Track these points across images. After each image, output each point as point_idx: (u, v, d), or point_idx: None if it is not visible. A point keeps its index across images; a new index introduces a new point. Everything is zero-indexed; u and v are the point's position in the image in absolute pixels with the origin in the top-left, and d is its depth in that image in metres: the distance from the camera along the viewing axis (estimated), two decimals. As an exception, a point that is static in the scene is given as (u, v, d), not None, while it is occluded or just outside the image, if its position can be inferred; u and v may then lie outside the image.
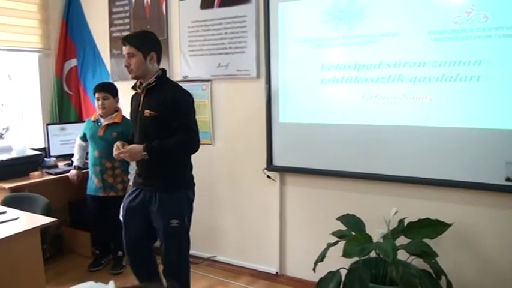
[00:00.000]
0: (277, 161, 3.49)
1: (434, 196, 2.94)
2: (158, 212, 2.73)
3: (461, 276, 2.82)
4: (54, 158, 4.27)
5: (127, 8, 4.22)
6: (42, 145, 4.43)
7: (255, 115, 3.55)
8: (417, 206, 2.94)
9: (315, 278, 2.81)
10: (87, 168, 3.89)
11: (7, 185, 3.59)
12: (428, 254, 2.56)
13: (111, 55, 4.40)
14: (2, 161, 3.75)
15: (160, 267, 2.90)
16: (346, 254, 2.54)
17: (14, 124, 4.54)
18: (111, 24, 4.37)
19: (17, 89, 4.55)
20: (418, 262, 2.65)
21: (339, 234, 2.82)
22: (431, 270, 2.58)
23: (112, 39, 4.36)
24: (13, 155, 3.90)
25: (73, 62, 4.62)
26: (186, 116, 2.71)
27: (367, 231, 2.76)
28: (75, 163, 3.98)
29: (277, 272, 3.66)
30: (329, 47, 3.17)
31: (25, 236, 2.56)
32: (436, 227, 2.62)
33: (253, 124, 3.59)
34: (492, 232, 2.80)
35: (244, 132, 3.68)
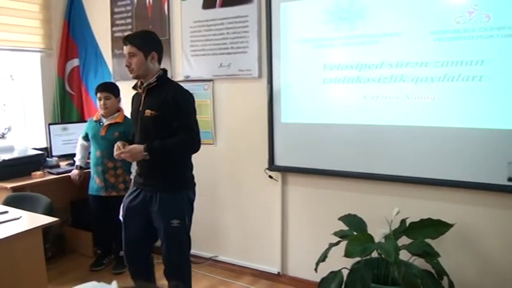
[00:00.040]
0: (279, 161, 3.49)
1: (436, 196, 2.93)
2: (159, 212, 2.72)
3: (463, 276, 2.82)
4: (56, 158, 4.27)
5: (129, 8, 4.22)
6: (44, 145, 4.44)
7: (257, 115, 3.55)
8: (419, 206, 2.93)
9: (316, 278, 2.81)
10: (89, 168, 3.90)
11: (9, 185, 3.60)
12: (430, 254, 2.56)
13: (113, 55, 4.40)
14: (4, 160, 3.76)
15: (162, 267, 2.89)
16: (348, 254, 2.54)
17: (16, 124, 4.54)
18: (113, 24, 4.37)
19: (19, 89, 4.55)
20: (420, 262, 2.65)
21: (341, 234, 2.81)
22: (433, 271, 2.57)
23: (114, 39, 4.36)
24: (15, 154, 3.91)
25: (75, 62, 4.62)
26: (187, 116, 2.71)
27: (369, 231, 2.76)
28: (77, 163, 3.99)
29: (279, 272, 3.66)
30: (331, 47, 3.17)
31: (27, 235, 2.56)
32: (438, 227, 2.62)
33: (255, 124, 3.59)
34: (494, 232, 2.80)
35: (246, 132, 3.68)
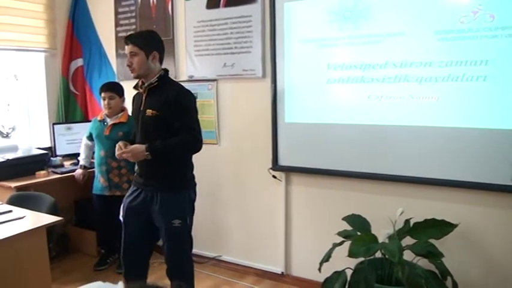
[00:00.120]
0: (283, 161, 3.49)
1: (441, 196, 2.93)
2: (160, 212, 2.72)
3: (466, 276, 2.81)
4: (60, 158, 4.28)
5: (133, 8, 4.23)
6: (48, 144, 4.45)
7: (261, 115, 3.55)
8: (423, 206, 2.93)
9: (320, 278, 2.81)
10: (93, 168, 3.91)
11: (13, 184, 3.61)
12: (434, 255, 2.56)
13: (117, 55, 4.41)
14: (8, 160, 3.77)
15: (164, 267, 2.89)
16: (351, 254, 2.53)
17: (20, 123, 4.56)
18: (117, 24, 4.38)
19: (24, 89, 4.57)
20: (423, 262, 2.64)
21: (345, 234, 2.81)
22: (437, 271, 2.57)
23: (118, 39, 4.37)
24: (19, 154, 3.92)
25: (79, 62, 4.63)
26: (189, 116, 2.70)
27: (373, 232, 2.76)
28: (82, 162, 4.00)
29: (282, 272, 3.66)
30: (335, 46, 3.17)
31: (31, 234, 2.56)
32: (442, 227, 2.61)
33: (259, 124, 3.59)
34: (497, 232, 2.79)
35: (250, 132, 3.68)
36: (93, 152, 3.94)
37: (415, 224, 2.69)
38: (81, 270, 3.91)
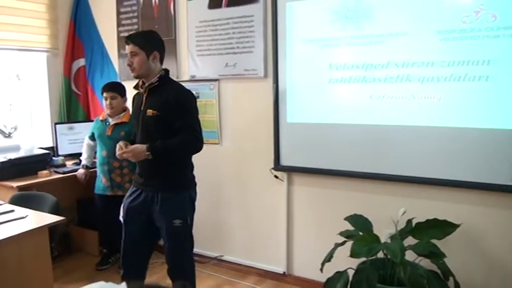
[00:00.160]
0: (285, 161, 3.49)
1: (443, 196, 2.92)
2: (160, 212, 2.72)
3: (468, 277, 2.81)
4: (63, 157, 4.29)
5: (135, 8, 4.23)
6: (50, 144, 4.46)
7: (263, 115, 3.55)
8: (425, 206, 2.93)
9: (322, 278, 2.81)
10: (95, 168, 3.92)
11: (15, 184, 3.61)
12: (436, 255, 2.55)
13: (119, 55, 4.41)
14: (10, 159, 3.78)
15: (165, 267, 2.90)
16: (353, 254, 2.53)
17: (22, 123, 4.56)
18: (119, 24, 4.39)
19: (26, 89, 4.57)
20: (425, 263, 2.64)
21: (347, 234, 2.81)
22: (439, 271, 2.57)
23: (120, 39, 4.37)
24: (21, 154, 3.93)
25: (81, 62, 4.64)
26: (189, 116, 2.70)
27: (375, 232, 2.75)
28: (84, 162, 4.00)
29: (284, 272, 3.66)
30: (337, 46, 3.16)
31: (33, 234, 2.57)
32: (444, 227, 2.60)
33: (261, 124, 3.59)
34: (499, 232, 2.79)
35: (252, 132, 3.68)
36: (95, 152, 3.95)
37: (417, 224, 2.68)
38: (83, 269, 3.91)
